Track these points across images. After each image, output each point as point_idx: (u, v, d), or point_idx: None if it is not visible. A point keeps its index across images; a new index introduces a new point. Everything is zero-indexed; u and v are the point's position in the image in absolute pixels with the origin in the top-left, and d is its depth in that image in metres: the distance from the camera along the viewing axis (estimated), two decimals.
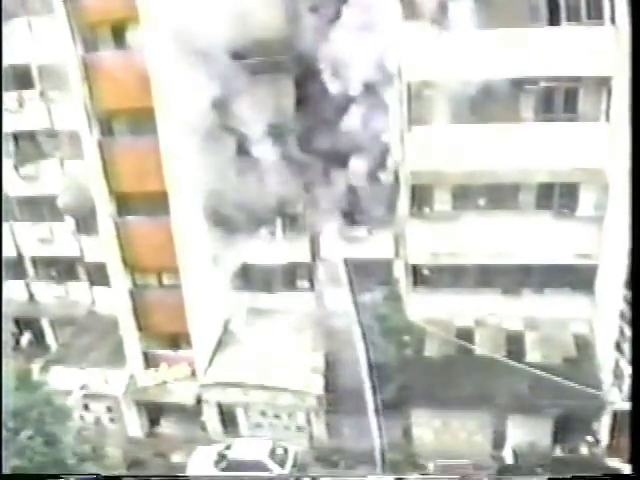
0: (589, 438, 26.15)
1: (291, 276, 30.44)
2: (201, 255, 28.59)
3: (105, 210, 26.81)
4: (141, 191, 26.51)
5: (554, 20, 23.52)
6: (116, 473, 23.11)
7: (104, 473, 21.59)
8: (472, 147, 24.92)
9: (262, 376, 27.74)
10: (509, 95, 24.48)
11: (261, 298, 30.71)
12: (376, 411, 26.07)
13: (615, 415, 24.98)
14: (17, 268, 32.95)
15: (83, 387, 28.89)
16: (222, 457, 27.48)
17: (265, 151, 26.44)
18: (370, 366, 25.95)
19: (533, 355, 26.42)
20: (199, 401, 29.01)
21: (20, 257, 33.00)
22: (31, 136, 30.25)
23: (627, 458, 19.57)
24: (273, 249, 29.25)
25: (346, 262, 26.83)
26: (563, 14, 23.36)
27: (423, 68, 23.87)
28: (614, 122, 23.27)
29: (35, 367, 29.55)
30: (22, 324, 34.61)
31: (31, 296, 33.88)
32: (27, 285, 33.70)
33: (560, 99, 24.51)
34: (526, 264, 26.70)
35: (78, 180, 28.17)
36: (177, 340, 29.55)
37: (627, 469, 17.95)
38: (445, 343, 27.45)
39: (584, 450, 26.31)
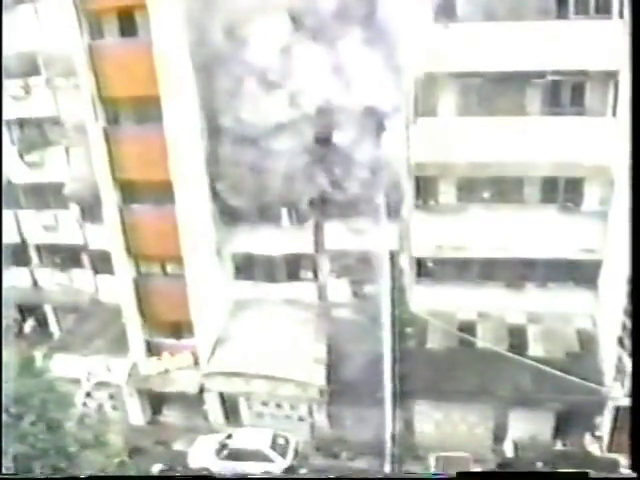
0: (591, 433, 26.18)
1: (294, 267, 30.42)
2: (205, 244, 28.62)
3: (110, 198, 26.83)
4: (146, 179, 26.56)
5: (562, 13, 23.44)
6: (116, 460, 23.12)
7: (106, 460, 21.62)
8: (478, 140, 24.86)
9: (264, 366, 27.76)
10: (516, 88, 24.44)
11: (264, 288, 30.73)
12: (393, 403, 26.13)
13: (617, 410, 24.98)
14: (21, 255, 33.03)
15: (90, 376, 29.01)
16: (223, 446, 27.58)
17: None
18: (394, 359, 26.00)
19: (535, 349, 26.44)
20: (201, 390, 29.07)
21: (24, 244, 33.04)
22: (37, 123, 30.20)
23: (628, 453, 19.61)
24: (277, 239, 29.22)
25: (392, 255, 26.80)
26: (571, 7, 23.29)
27: (430, 60, 23.77)
28: (621, 117, 23.17)
29: (38, 354, 29.59)
30: (25, 311, 34.78)
31: (35, 283, 33.94)
32: (31, 272, 33.74)
33: (567, 93, 24.46)
34: (530, 258, 26.68)
35: (83, 168, 28.23)
36: (180, 329, 29.60)
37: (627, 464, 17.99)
38: (448, 336, 27.48)
39: (585, 445, 26.33)
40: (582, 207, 25.73)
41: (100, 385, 29.44)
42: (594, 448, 26.13)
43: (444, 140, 24.88)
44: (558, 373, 24.69)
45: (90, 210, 30.12)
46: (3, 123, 29.37)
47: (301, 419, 29.07)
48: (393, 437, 26.50)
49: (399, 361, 26.32)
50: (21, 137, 30.53)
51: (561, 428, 26.45)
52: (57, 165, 30.29)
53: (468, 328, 27.56)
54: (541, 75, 23.92)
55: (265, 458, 26.73)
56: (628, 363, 23.07)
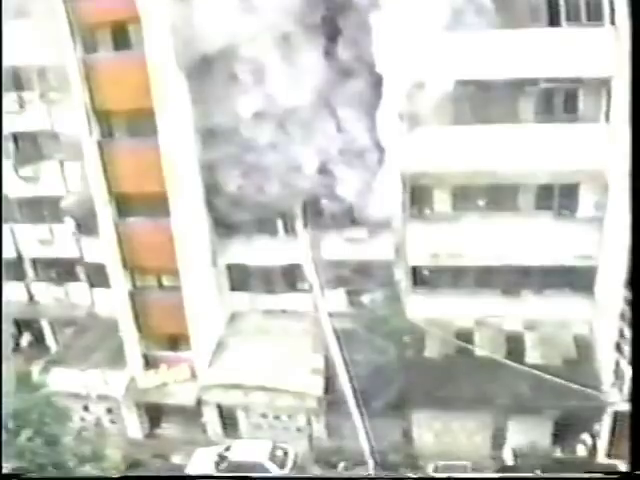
0: (589, 439, 26.17)
1: (291, 277, 30.39)
2: (201, 256, 28.61)
3: (105, 211, 26.82)
4: (141, 192, 26.55)
5: (554, 21, 23.51)
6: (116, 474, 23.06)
7: (104, 474, 21.55)
8: (472, 148, 24.88)
9: (262, 377, 27.73)
10: (509, 96, 24.50)
11: (261, 299, 30.71)
12: (361, 416, 26.21)
13: (615, 416, 24.98)
14: (17, 269, 32.87)
15: (88, 389, 28.95)
16: (222, 458, 27.46)
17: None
18: (350, 376, 26.24)
19: (533, 356, 26.40)
20: (199, 402, 29.00)
21: (20, 258, 32.93)
22: (31, 137, 30.18)
23: (627, 459, 19.57)
24: (273, 250, 29.21)
25: (315, 264, 27.08)
26: (563, 15, 23.35)
27: (422, 68, 23.83)
28: (614, 123, 23.26)
29: (35, 368, 29.53)
30: (22, 325, 34.58)
31: (31, 297, 33.78)
32: (27, 286, 33.60)
33: (560, 100, 24.51)
34: (526, 265, 26.67)
35: (78, 181, 28.26)
36: (177, 341, 29.57)
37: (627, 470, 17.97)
38: (445, 344, 27.44)
39: (584, 451, 26.31)
40: (577, 213, 25.76)
41: (98, 399, 29.37)
42: (593, 454, 26.14)
43: (438, 149, 24.94)
44: (556, 380, 24.66)
45: (85, 223, 30.01)
46: None
47: (299, 430, 28.98)
48: (372, 448, 26.51)
49: (398, 370, 26.36)
50: (16, 151, 30.47)
51: (560, 435, 26.42)
52: (52, 179, 30.23)
53: (465, 336, 27.51)
54: (534, 83, 23.99)
55: (264, 470, 26.62)
56: (626, 368, 23.12)
